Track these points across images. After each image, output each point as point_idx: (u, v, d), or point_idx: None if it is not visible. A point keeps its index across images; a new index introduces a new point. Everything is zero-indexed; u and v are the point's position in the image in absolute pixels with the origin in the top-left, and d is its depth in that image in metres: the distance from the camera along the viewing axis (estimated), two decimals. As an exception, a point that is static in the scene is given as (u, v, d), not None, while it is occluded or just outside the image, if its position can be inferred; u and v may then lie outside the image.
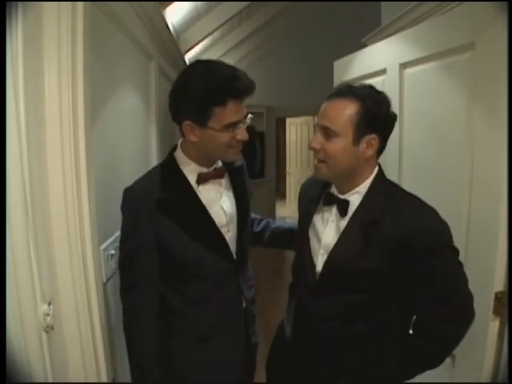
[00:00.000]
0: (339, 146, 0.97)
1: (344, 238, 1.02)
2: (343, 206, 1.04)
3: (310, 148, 1.03)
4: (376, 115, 0.97)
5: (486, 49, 1.22)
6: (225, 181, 1.18)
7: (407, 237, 0.94)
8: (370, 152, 1.00)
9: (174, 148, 1.16)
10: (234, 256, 1.17)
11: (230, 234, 1.17)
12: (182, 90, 1.02)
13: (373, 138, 0.98)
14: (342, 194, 1.06)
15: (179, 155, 1.12)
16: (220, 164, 1.17)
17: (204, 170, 1.12)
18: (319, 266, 1.06)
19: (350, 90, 0.99)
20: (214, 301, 1.14)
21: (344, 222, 1.04)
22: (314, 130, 1.07)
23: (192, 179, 1.10)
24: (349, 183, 1.04)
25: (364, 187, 1.03)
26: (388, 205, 0.99)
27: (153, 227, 1.04)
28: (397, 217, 0.96)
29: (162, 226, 1.05)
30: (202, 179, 1.11)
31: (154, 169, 1.15)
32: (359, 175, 1.03)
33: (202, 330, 1.15)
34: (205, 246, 1.09)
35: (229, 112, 1.00)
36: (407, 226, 0.95)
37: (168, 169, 1.12)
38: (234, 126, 1.03)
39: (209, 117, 1.00)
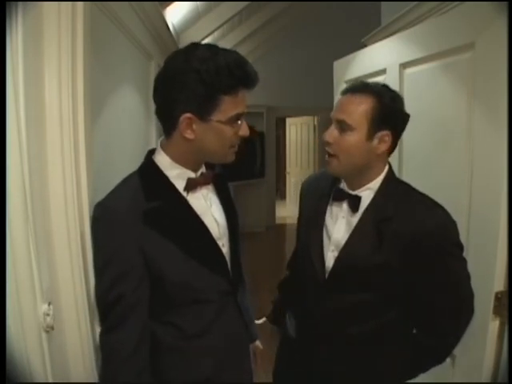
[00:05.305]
0: (353, 139, 0.98)
1: (356, 234, 1.02)
2: (354, 202, 1.04)
3: (323, 141, 1.04)
4: (391, 111, 0.99)
5: (486, 49, 1.22)
6: (211, 187, 1.05)
7: (419, 235, 0.95)
8: (383, 148, 1.01)
9: (152, 151, 1.00)
10: (231, 274, 1.03)
11: (224, 249, 1.02)
12: (182, 74, 0.85)
13: (386, 135, 1.00)
14: (353, 189, 1.06)
15: (161, 158, 0.95)
16: (204, 169, 1.02)
17: (192, 174, 0.97)
18: (329, 263, 1.06)
19: (365, 87, 1.01)
20: (215, 331, 0.97)
21: (355, 219, 1.04)
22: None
23: (179, 186, 0.95)
24: (360, 179, 1.05)
25: (375, 184, 1.04)
26: (400, 203, 1.00)
27: (142, 247, 0.87)
28: (409, 215, 0.98)
29: (153, 244, 0.88)
30: (191, 185, 0.96)
31: (130, 177, 0.97)
32: (370, 172, 1.04)
33: (205, 369, 0.97)
34: (203, 264, 0.94)
35: (239, 101, 0.88)
36: (420, 224, 0.96)
37: (149, 175, 0.94)
38: (238, 118, 0.91)
39: (215, 107, 0.86)
